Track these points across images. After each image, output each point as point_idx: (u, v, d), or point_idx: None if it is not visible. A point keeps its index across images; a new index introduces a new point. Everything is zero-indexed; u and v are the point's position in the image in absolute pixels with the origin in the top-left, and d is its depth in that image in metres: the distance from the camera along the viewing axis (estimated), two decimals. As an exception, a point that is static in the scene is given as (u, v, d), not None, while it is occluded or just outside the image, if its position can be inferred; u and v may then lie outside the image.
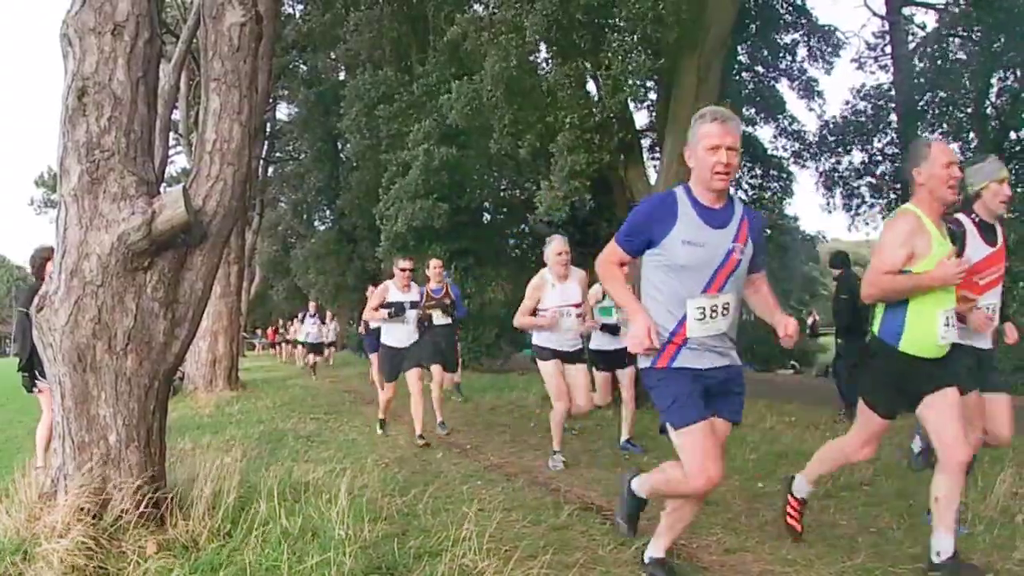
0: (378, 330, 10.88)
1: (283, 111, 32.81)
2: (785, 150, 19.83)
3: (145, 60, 3.62)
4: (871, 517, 4.37)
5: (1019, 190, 13.40)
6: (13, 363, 6.60)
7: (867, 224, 18.89)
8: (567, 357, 6.14)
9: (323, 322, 20.43)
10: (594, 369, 7.09)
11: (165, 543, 3.36)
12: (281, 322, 34.14)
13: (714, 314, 3.05)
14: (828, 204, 19.18)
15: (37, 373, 5.69)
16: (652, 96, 13.64)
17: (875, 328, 3.59)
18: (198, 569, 3.17)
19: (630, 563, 3.57)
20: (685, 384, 3.05)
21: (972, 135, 16.89)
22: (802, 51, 18.79)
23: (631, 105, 11.52)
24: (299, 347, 23.56)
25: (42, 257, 5.75)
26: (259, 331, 48.24)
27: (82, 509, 3.31)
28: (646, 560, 3.43)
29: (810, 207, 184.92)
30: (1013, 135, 16.22)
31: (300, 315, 22.38)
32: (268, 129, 28.25)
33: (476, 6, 17.22)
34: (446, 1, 17.55)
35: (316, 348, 19.59)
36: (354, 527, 3.61)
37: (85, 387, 3.47)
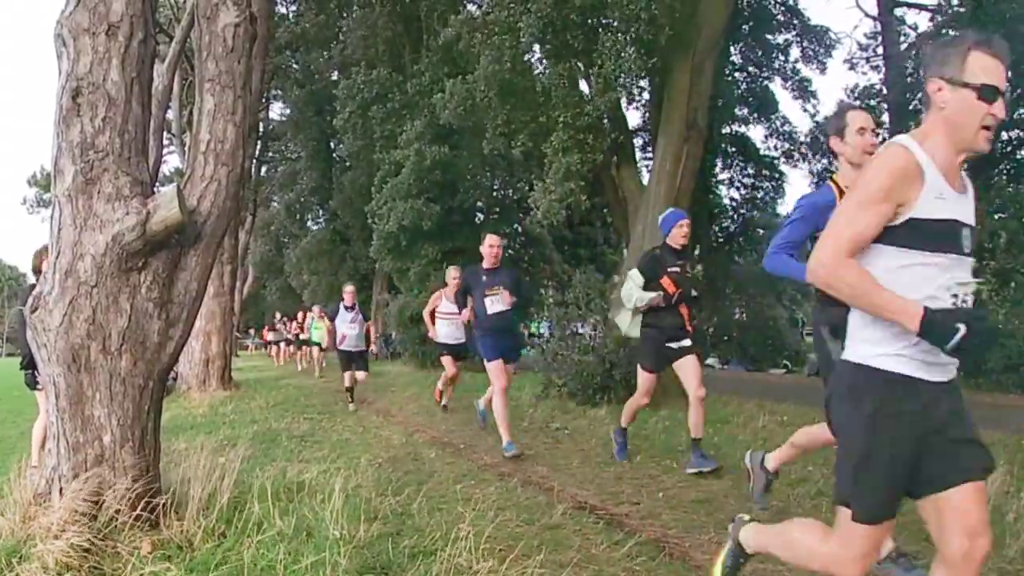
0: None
1: (276, 111, 32.78)
2: (777, 150, 19.94)
3: (139, 60, 3.63)
4: (863, 515, 4.39)
5: (1010, 189, 13.49)
6: (5, 363, 6.59)
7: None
8: None
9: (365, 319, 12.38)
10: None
11: (160, 543, 3.36)
12: (279, 316, 27.52)
13: None
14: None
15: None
16: (645, 96, 13.68)
17: None
18: (193, 569, 3.18)
19: (623, 561, 3.59)
20: None
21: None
22: (795, 51, 18.91)
23: (623, 105, 11.57)
24: (314, 349, 19.01)
25: (39, 257, 5.77)
26: (252, 331, 48.18)
27: (77, 510, 3.30)
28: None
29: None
30: (1004, 135, 16.29)
31: (328, 308, 14.17)
32: (261, 129, 28.19)
33: (470, 6, 17.25)
34: (439, 1, 17.56)
35: (354, 358, 11.12)
36: (349, 527, 3.62)
37: (79, 387, 3.47)
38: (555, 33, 10.08)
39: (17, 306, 6.46)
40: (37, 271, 5.86)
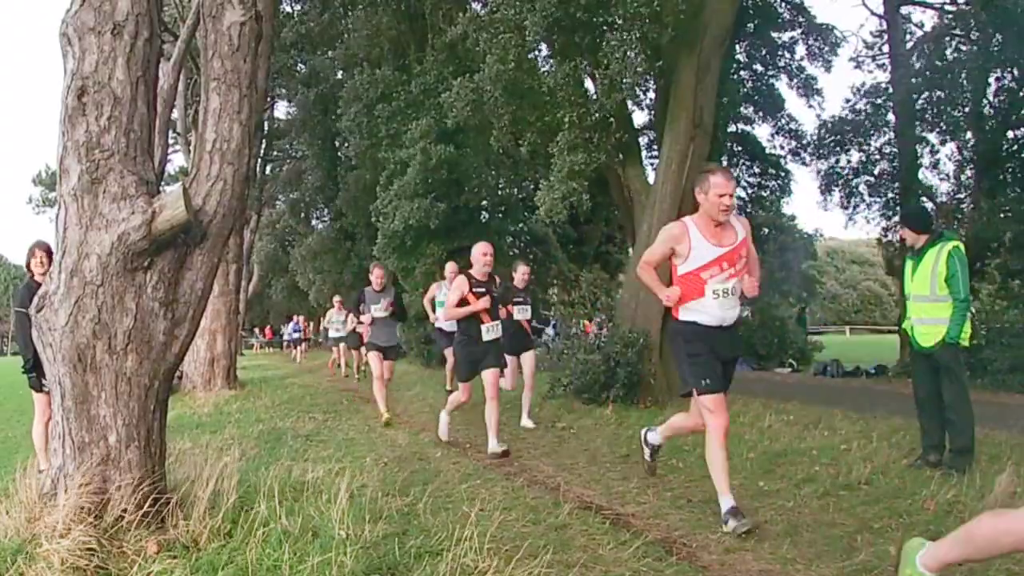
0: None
1: (281, 110, 32.77)
2: (783, 148, 19.87)
3: (145, 59, 3.62)
4: (870, 516, 4.37)
5: (1018, 191, 13.43)
6: (11, 363, 6.59)
7: (869, 222, 18.89)
8: None
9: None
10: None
11: (166, 543, 3.36)
12: (339, 300, 18.73)
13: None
14: (825, 202, 19.12)
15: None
16: (650, 95, 13.66)
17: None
18: (199, 569, 3.17)
19: (630, 561, 3.58)
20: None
21: (969, 134, 16.90)
22: (800, 49, 18.81)
23: (629, 104, 11.52)
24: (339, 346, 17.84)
25: (30, 253, 5.92)
26: (256, 330, 48.28)
27: (82, 509, 3.31)
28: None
29: (807, 205, 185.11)
30: (1011, 134, 16.21)
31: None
32: (266, 128, 28.20)
33: (475, 4, 17.22)
34: (444, 0, 17.53)
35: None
36: (354, 527, 3.62)
37: (85, 387, 3.47)
38: (561, 32, 10.05)
39: (14, 307, 6.46)
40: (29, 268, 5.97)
